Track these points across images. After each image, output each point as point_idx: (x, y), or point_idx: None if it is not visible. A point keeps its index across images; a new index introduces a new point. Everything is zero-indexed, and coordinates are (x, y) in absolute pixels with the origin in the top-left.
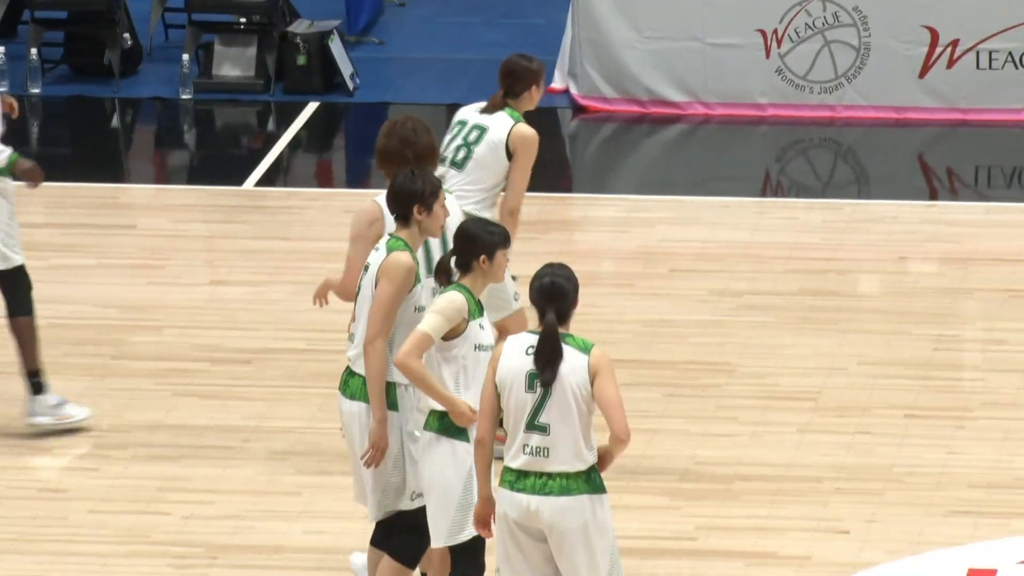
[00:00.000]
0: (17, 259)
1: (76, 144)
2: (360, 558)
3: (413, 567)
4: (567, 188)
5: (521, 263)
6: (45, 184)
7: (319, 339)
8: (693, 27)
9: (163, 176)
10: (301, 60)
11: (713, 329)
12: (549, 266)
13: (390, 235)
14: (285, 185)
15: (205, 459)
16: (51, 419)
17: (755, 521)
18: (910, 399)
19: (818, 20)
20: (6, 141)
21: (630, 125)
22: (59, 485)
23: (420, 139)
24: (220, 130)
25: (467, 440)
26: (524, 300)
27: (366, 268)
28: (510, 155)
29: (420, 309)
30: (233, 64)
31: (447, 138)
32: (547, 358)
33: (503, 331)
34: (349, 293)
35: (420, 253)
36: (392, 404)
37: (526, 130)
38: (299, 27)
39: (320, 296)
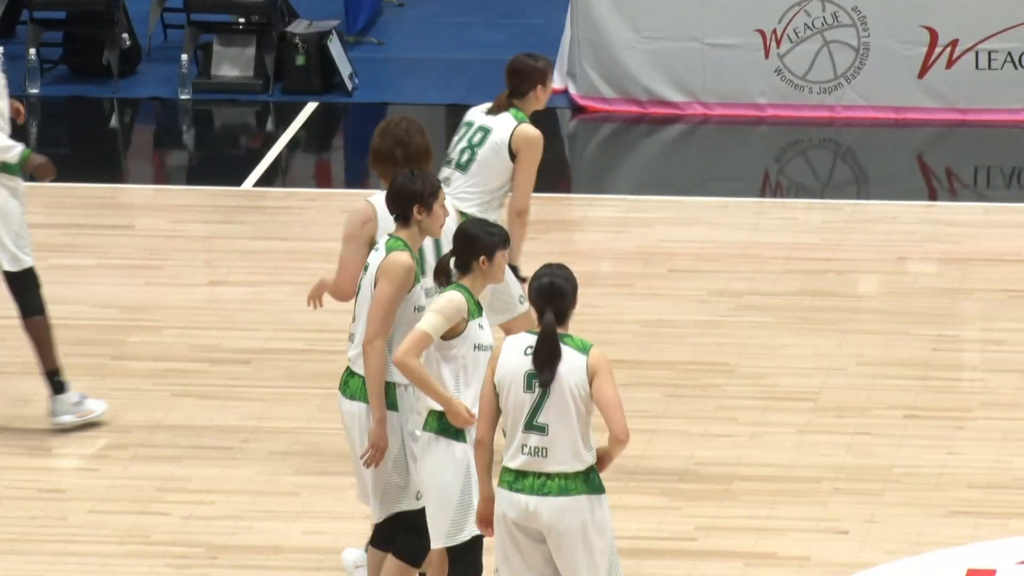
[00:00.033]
0: (27, 260)
1: (75, 144)
2: (352, 554)
3: (418, 566)
4: (566, 188)
5: (521, 264)
6: (45, 184)
7: (318, 339)
8: (692, 27)
9: (162, 176)
10: (300, 60)
11: (712, 329)
12: (548, 266)
13: (389, 235)
14: (284, 185)
15: (204, 459)
16: (74, 416)
17: (754, 521)
18: (909, 399)
19: (817, 20)
20: None
21: (629, 125)
22: (59, 485)
23: (412, 140)
24: (219, 130)
25: (465, 441)
26: None
27: (366, 268)
28: (513, 156)
29: (419, 309)
30: (232, 64)
31: (454, 139)
32: (545, 358)
33: (509, 334)
34: (343, 293)
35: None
36: (392, 404)
37: (529, 131)
38: (298, 27)
39: (315, 298)
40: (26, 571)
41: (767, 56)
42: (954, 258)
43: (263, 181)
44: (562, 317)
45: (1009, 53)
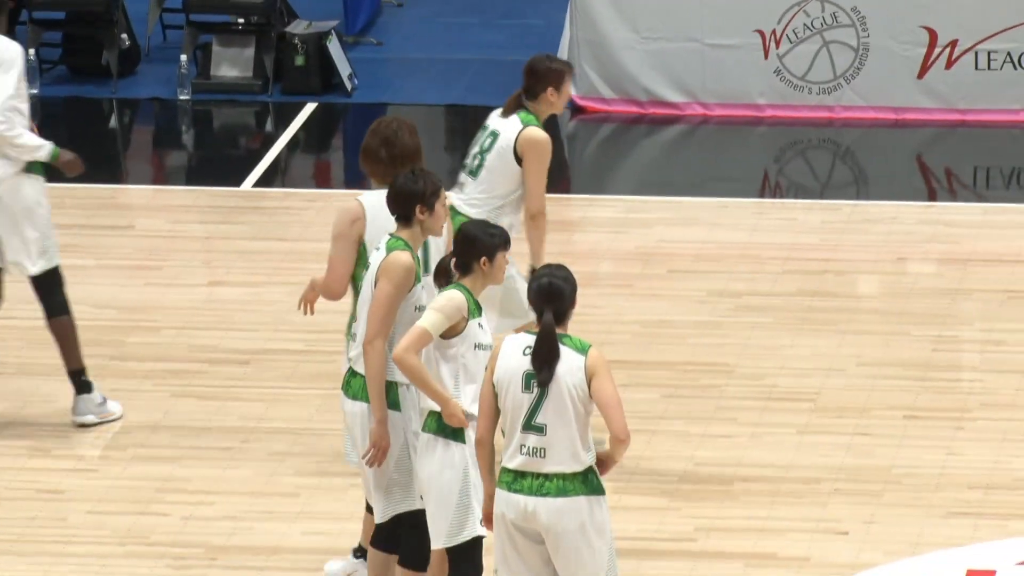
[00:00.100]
0: (56, 260)
1: (74, 145)
2: (334, 565)
3: (424, 569)
4: (565, 189)
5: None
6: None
7: (317, 340)
8: (691, 28)
9: (161, 177)
10: (299, 61)
11: (712, 330)
12: (547, 267)
13: (390, 235)
14: (283, 186)
15: (203, 460)
16: (96, 417)
17: (754, 522)
18: (909, 400)
19: (816, 21)
20: None
21: (628, 126)
22: (58, 486)
23: (399, 140)
24: (218, 131)
25: (464, 441)
26: None
27: (367, 268)
28: (519, 160)
29: (420, 308)
30: (231, 65)
31: (472, 144)
32: (544, 358)
33: None
34: (333, 292)
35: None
36: (393, 404)
37: (535, 133)
38: (297, 28)
39: (307, 301)
40: (25, 571)
41: (766, 56)
42: (953, 258)
43: (262, 182)
44: (561, 317)
45: (1008, 53)
